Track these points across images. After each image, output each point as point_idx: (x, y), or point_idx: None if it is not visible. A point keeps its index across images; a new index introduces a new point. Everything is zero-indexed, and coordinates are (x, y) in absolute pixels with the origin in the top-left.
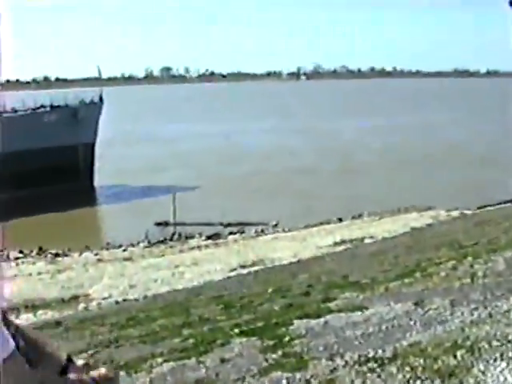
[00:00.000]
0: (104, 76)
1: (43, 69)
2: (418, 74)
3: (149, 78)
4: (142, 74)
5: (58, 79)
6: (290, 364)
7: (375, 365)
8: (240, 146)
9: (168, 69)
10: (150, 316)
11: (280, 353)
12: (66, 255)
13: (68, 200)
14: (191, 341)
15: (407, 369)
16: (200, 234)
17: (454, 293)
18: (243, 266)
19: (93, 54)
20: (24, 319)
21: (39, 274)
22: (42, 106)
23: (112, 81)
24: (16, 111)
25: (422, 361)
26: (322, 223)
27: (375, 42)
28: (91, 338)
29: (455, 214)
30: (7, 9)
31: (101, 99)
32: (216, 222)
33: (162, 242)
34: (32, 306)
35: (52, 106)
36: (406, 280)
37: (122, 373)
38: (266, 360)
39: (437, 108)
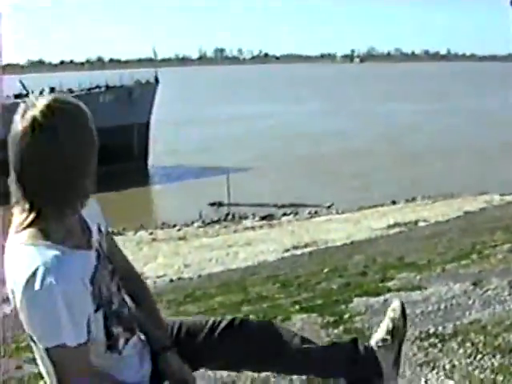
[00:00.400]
0: (158, 57)
1: (97, 49)
2: (472, 57)
3: (202, 59)
4: (195, 55)
5: (111, 60)
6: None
7: (436, 340)
8: (292, 127)
9: (221, 50)
10: (207, 293)
11: (341, 328)
12: (121, 234)
13: (123, 180)
14: (252, 316)
15: (468, 344)
16: (254, 215)
17: None
18: (297, 247)
19: (147, 34)
20: None
21: None
22: (98, 87)
23: (166, 62)
24: (72, 91)
25: (482, 337)
26: (375, 206)
27: (429, 25)
28: None
29: (509, 198)
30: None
31: (156, 80)
32: (270, 203)
33: (216, 222)
34: None
35: (107, 87)
36: (463, 262)
37: None
38: (328, 335)
39: (493, 92)
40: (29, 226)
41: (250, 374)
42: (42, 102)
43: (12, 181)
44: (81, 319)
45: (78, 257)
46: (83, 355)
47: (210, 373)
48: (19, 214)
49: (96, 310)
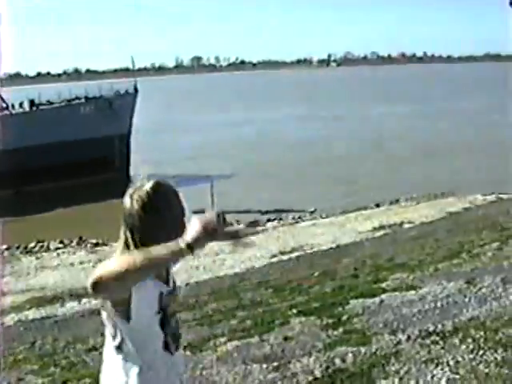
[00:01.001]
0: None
1: (73, 61)
2: (449, 59)
3: (179, 68)
4: (172, 64)
5: (88, 71)
6: (353, 339)
7: (437, 338)
8: (272, 133)
9: (198, 58)
10: (200, 301)
11: (341, 330)
12: (106, 244)
13: (105, 191)
14: (249, 322)
15: (469, 340)
16: (238, 222)
17: (504, 271)
18: (283, 253)
19: (122, 45)
20: (69, 307)
21: (81, 263)
22: (77, 98)
23: (142, 71)
24: (52, 103)
25: (482, 333)
26: (359, 209)
27: (404, 28)
28: None
29: (492, 198)
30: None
31: (136, 89)
32: (254, 209)
33: None
34: (76, 295)
35: (87, 98)
36: (454, 261)
37: (187, 352)
38: (329, 336)
39: (471, 94)
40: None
41: (256, 376)
42: (147, 185)
43: (125, 232)
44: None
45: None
46: None
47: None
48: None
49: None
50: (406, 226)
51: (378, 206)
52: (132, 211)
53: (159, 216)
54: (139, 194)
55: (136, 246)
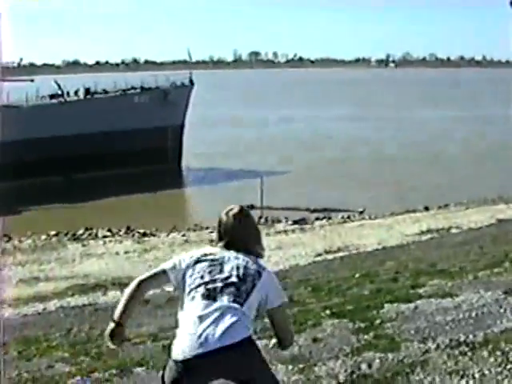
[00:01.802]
0: (193, 59)
1: (132, 51)
2: (507, 64)
3: (237, 62)
4: (230, 58)
5: (146, 61)
6: (382, 345)
7: (467, 349)
8: (323, 132)
9: (256, 53)
10: None
11: (372, 334)
12: (154, 235)
13: (157, 181)
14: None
15: (498, 353)
16: (286, 219)
17: None
18: (329, 252)
19: (181, 36)
20: (111, 296)
21: (126, 252)
22: (133, 88)
23: (200, 64)
24: (107, 92)
25: None
26: (408, 211)
27: (464, 31)
28: None
29: None
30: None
31: (191, 82)
32: (303, 207)
33: None
34: (119, 284)
35: (142, 88)
36: (495, 270)
37: None
38: (359, 341)
39: None
40: None
41: (281, 377)
42: (237, 208)
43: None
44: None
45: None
46: None
47: None
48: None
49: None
50: (454, 231)
51: (427, 209)
52: (232, 227)
53: (249, 230)
54: (234, 212)
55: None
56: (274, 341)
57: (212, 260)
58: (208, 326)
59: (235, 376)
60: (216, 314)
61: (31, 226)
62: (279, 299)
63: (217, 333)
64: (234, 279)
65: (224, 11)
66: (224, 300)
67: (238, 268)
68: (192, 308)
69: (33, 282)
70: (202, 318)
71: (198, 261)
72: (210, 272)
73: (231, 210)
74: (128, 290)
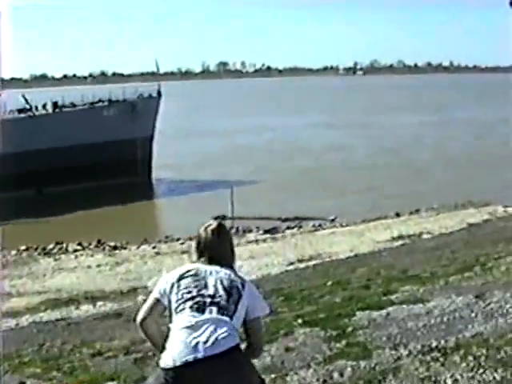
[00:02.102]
0: (161, 71)
1: (100, 64)
2: (475, 68)
3: (205, 73)
4: (198, 69)
5: (114, 74)
6: (354, 353)
7: (438, 354)
8: (294, 140)
9: (224, 64)
10: None
11: (344, 342)
12: (125, 248)
13: (126, 194)
14: None
15: (470, 358)
16: (258, 228)
17: None
18: (301, 260)
19: (150, 48)
20: (84, 310)
21: (98, 266)
22: (101, 101)
23: (168, 75)
24: (75, 106)
25: (484, 351)
26: (379, 218)
27: (430, 37)
28: None
29: None
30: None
31: (159, 93)
32: (274, 216)
33: None
34: (91, 298)
35: (110, 101)
36: (466, 274)
37: None
38: (331, 349)
39: (495, 104)
40: None
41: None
42: (215, 223)
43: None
44: None
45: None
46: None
47: None
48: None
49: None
50: (425, 236)
51: (398, 215)
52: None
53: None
54: (213, 227)
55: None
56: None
57: (195, 275)
58: (199, 336)
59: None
60: (206, 325)
61: (1, 241)
62: (263, 310)
63: (207, 342)
64: (220, 292)
65: (191, 22)
66: (213, 312)
67: (221, 281)
68: (182, 319)
69: (5, 298)
70: (192, 328)
71: (181, 277)
72: (195, 287)
73: (209, 225)
74: (144, 336)
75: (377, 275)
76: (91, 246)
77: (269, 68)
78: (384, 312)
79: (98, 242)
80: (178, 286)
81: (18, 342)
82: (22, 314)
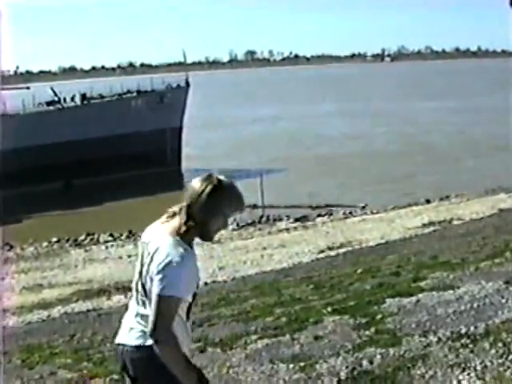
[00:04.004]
0: (188, 61)
1: (128, 54)
2: (503, 53)
3: (233, 62)
4: (226, 58)
5: (142, 65)
6: (383, 340)
7: (468, 341)
8: (315, 129)
9: (252, 52)
10: (241, 296)
11: (373, 330)
12: None
13: (156, 184)
14: (284, 319)
15: (500, 345)
16: (288, 217)
17: None
18: (331, 248)
19: (177, 39)
20: (115, 301)
21: (129, 256)
22: (129, 92)
23: (196, 65)
24: (103, 97)
25: None
26: (409, 205)
27: (459, 23)
28: None
29: None
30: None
31: (187, 83)
32: (304, 204)
33: (250, 224)
34: (123, 288)
35: (139, 92)
36: (496, 260)
37: (217, 350)
38: (360, 337)
39: None
40: (181, 231)
41: (282, 375)
42: (217, 176)
43: (184, 208)
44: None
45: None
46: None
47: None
48: (176, 223)
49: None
50: (455, 222)
51: (428, 202)
52: (199, 192)
53: (218, 204)
54: (210, 181)
55: (187, 220)
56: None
57: None
58: None
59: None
60: None
61: (33, 233)
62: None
63: None
64: None
65: (218, 11)
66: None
67: None
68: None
69: (37, 289)
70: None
71: None
72: None
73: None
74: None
75: (407, 262)
76: (122, 237)
77: (296, 56)
78: (414, 299)
79: (129, 232)
80: None
81: (49, 333)
82: (54, 305)
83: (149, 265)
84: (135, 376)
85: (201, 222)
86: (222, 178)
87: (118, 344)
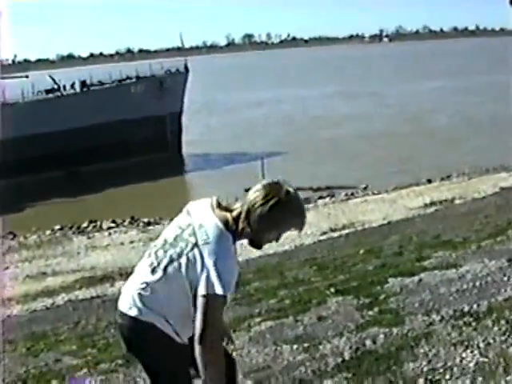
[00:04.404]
0: (186, 46)
1: (126, 40)
2: (502, 32)
3: (231, 46)
4: (223, 42)
5: (141, 50)
6: (386, 320)
7: (471, 319)
8: (320, 111)
9: (250, 36)
10: (244, 279)
11: (376, 310)
12: (158, 223)
13: (157, 170)
14: (287, 301)
15: (502, 322)
16: None
17: None
18: (334, 230)
19: (174, 23)
20: (119, 287)
21: (131, 242)
22: (128, 78)
23: (194, 50)
24: (103, 84)
25: None
26: (411, 185)
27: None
28: None
29: None
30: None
31: (186, 68)
32: (305, 186)
33: None
34: (126, 274)
35: (138, 77)
36: (499, 238)
37: None
38: (363, 317)
39: None
40: (234, 229)
41: (286, 357)
42: (286, 187)
43: (244, 213)
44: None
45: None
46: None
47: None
48: (229, 217)
49: None
50: (457, 201)
51: (429, 181)
52: (262, 202)
53: (278, 221)
54: (277, 191)
55: (245, 224)
56: None
57: None
58: None
59: None
60: None
61: (35, 221)
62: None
63: None
64: None
65: None
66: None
67: None
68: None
69: (40, 278)
70: None
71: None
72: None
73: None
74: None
75: (409, 242)
76: (125, 223)
77: (294, 38)
78: (416, 278)
79: (132, 218)
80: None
81: (53, 320)
82: (58, 293)
83: (187, 240)
84: (129, 347)
85: (256, 231)
86: (290, 189)
87: (120, 312)
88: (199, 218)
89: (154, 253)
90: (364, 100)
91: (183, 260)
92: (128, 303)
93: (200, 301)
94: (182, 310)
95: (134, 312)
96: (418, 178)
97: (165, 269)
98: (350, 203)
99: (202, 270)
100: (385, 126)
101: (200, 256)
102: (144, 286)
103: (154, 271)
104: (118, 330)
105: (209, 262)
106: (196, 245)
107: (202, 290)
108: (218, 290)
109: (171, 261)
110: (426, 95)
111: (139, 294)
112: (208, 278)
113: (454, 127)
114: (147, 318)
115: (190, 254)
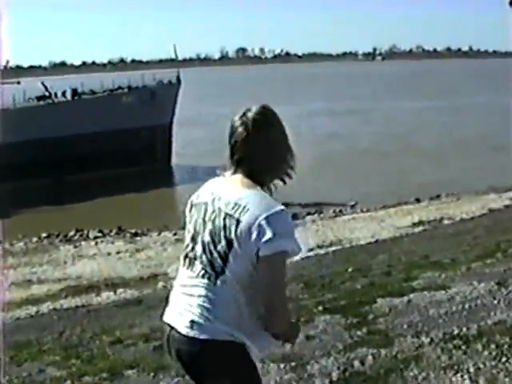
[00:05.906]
0: (179, 57)
1: (119, 50)
2: (495, 54)
3: (224, 59)
4: (217, 55)
5: (133, 61)
6: (375, 341)
7: (460, 342)
8: (308, 127)
9: (243, 50)
10: None
11: (365, 330)
12: (145, 235)
13: (146, 181)
14: None
15: (493, 346)
16: None
17: None
18: (321, 246)
19: (168, 35)
20: (104, 297)
21: (118, 253)
22: (120, 88)
23: (187, 62)
24: (94, 93)
25: (507, 339)
26: (399, 203)
27: (450, 22)
28: None
29: None
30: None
31: (178, 80)
32: (293, 202)
33: None
34: (112, 284)
35: (130, 88)
36: (488, 260)
37: None
38: (351, 337)
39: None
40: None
41: (273, 376)
42: (255, 108)
43: (229, 156)
44: None
45: None
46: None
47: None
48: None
49: None
50: (446, 222)
51: (418, 201)
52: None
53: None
54: (251, 115)
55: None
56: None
57: (199, 204)
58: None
59: None
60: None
61: (22, 229)
62: (277, 247)
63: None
64: (206, 238)
65: (210, 8)
66: (197, 271)
67: (214, 218)
68: (179, 275)
69: (25, 285)
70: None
71: (191, 207)
72: (194, 225)
73: (246, 112)
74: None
75: (398, 261)
76: (112, 233)
77: (288, 54)
78: (405, 299)
79: (119, 228)
80: (189, 221)
81: (38, 329)
82: (43, 301)
83: (224, 221)
84: (190, 371)
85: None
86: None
87: (169, 325)
88: (227, 198)
89: (200, 257)
90: (354, 118)
91: (235, 244)
92: (183, 319)
93: (264, 265)
94: (251, 307)
95: (191, 331)
96: (407, 197)
97: (222, 268)
98: (338, 220)
99: (259, 238)
100: (374, 144)
101: (248, 228)
102: (202, 298)
103: (209, 278)
104: (175, 355)
105: (264, 225)
106: (238, 221)
107: (265, 251)
108: (284, 247)
109: (224, 255)
110: (417, 114)
111: (203, 307)
112: (270, 238)
113: (443, 147)
114: (224, 336)
115: (238, 233)
